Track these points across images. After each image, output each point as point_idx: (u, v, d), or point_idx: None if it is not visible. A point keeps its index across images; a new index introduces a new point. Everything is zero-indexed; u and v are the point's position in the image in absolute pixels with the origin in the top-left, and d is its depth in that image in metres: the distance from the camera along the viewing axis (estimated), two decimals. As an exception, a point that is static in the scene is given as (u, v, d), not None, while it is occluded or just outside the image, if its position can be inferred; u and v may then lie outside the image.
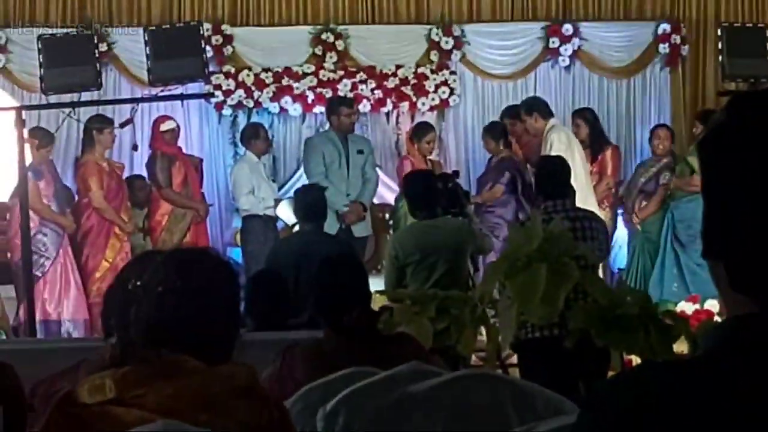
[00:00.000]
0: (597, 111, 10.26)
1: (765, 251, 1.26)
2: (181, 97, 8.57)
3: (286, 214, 9.13)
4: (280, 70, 10.52)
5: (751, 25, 10.19)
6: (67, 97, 8.16)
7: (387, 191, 9.98)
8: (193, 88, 9.11)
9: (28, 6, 10.55)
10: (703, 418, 1.23)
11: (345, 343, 4.02)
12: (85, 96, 8.31)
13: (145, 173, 9.71)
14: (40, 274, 8.84)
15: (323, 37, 10.59)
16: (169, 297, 2.42)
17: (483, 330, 5.91)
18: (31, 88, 9.87)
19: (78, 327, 9.04)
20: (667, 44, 10.81)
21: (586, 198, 8.48)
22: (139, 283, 2.46)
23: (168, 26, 9.13)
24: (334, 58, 10.57)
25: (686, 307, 8.53)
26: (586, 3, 11.04)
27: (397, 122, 10.71)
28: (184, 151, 9.85)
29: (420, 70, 10.63)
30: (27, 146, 8.13)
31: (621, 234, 10.00)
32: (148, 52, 7.95)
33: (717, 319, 8.16)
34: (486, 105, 10.85)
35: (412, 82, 10.60)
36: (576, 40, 10.75)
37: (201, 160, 10.11)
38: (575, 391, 5.01)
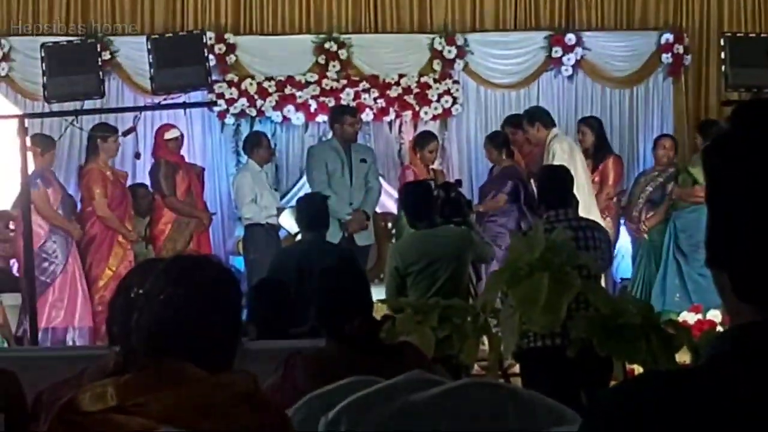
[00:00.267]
0: (599, 120, 10.28)
1: (769, 259, 1.26)
2: (184, 105, 8.58)
3: (288, 222, 9.13)
4: (283, 78, 10.53)
5: (754, 34, 10.20)
6: (70, 106, 8.17)
7: (389, 200, 9.99)
8: (195, 96, 9.13)
9: (31, 14, 10.57)
10: (706, 427, 1.23)
11: (346, 352, 4.01)
12: (88, 104, 8.32)
13: (147, 181, 9.72)
14: (49, 281, 8.86)
15: (326, 46, 10.60)
16: (171, 305, 2.42)
17: (485, 339, 5.91)
18: (33, 97, 9.88)
19: (83, 335, 9.05)
20: (669, 54, 10.81)
21: (588, 207, 8.48)
22: (140, 290, 2.46)
23: (171, 35, 9.14)
24: (337, 67, 10.58)
25: (688, 317, 8.52)
26: (589, 12, 11.04)
27: (400, 131, 10.71)
28: (186, 159, 9.86)
29: (423, 79, 10.64)
30: (29, 154, 8.14)
31: (624, 243, 9.99)
32: (151, 60, 7.96)
33: (719, 329, 8.15)
34: (489, 114, 10.85)
35: (415, 91, 10.60)
36: (579, 50, 10.76)
37: (203, 169, 10.12)
38: (577, 400, 5.01)
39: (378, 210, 9.80)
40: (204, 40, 8.20)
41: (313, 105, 10.49)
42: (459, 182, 8.01)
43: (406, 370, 3.48)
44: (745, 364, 1.26)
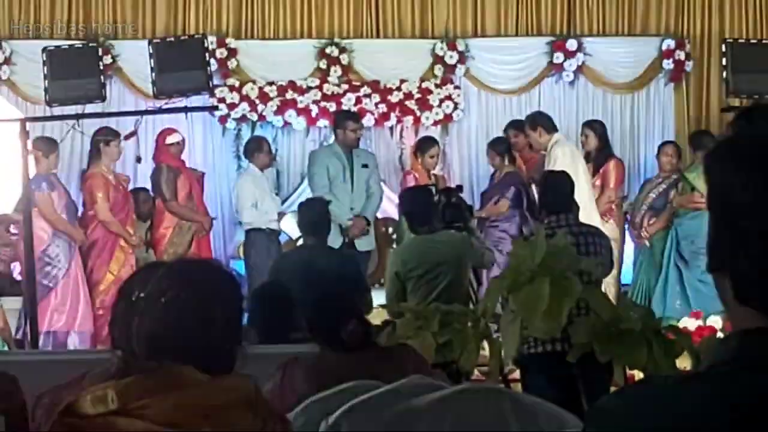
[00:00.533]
0: (601, 126, 10.27)
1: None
2: (185, 109, 8.59)
3: (290, 227, 9.13)
4: (284, 83, 10.54)
5: (755, 41, 10.19)
6: (71, 110, 8.18)
7: (390, 206, 9.99)
8: (197, 101, 9.14)
9: (33, 18, 10.58)
10: (707, 432, 1.24)
11: (344, 357, 4.01)
12: (89, 108, 8.33)
13: (148, 185, 9.72)
14: (51, 285, 8.86)
15: (328, 51, 10.62)
16: (172, 308, 2.42)
17: (485, 344, 5.91)
18: (35, 100, 9.89)
19: (84, 339, 9.05)
20: (671, 60, 10.83)
21: (589, 213, 8.48)
22: (142, 294, 2.46)
23: (172, 39, 9.13)
24: (339, 72, 10.59)
25: (689, 323, 8.53)
26: (590, 18, 11.05)
27: (401, 137, 10.71)
28: (186, 164, 9.86)
29: (424, 84, 10.65)
30: (31, 158, 8.15)
31: (628, 250, 9.97)
32: (152, 64, 7.96)
33: (720, 335, 8.15)
34: (490, 120, 10.86)
35: (416, 96, 10.61)
36: (580, 56, 10.77)
37: (203, 174, 10.12)
38: (578, 405, 5.01)
39: (379, 215, 9.81)
40: (205, 45, 8.20)
41: (315, 110, 10.50)
42: (460, 187, 8.02)
43: (404, 372, 3.49)
44: (746, 370, 1.26)
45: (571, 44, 10.77)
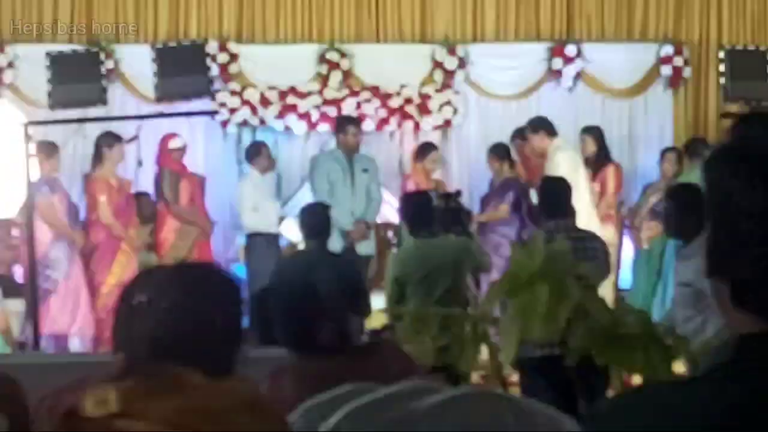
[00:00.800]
0: (599, 132, 10.28)
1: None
2: (187, 114, 8.60)
3: (290, 231, 9.14)
4: (285, 88, 10.55)
5: (753, 47, 10.23)
6: (73, 114, 8.20)
7: (391, 210, 9.99)
8: (198, 105, 9.15)
9: (36, 23, 10.58)
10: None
11: (324, 360, 3.96)
12: (91, 112, 8.34)
13: (149, 189, 9.73)
14: (52, 288, 8.87)
15: (328, 56, 10.62)
16: (173, 312, 2.43)
17: (484, 348, 5.92)
18: (37, 104, 9.89)
19: (85, 342, 9.05)
20: (669, 66, 10.84)
21: (589, 218, 8.50)
22: (143, 298, 2.48)
23: (174, 44, 9.19)
24: (339, 77, 10.60)
25: (687, 328, 8.50)
26: (589, 23, 11.07)
27: (401, 142, 10.72)
28: (188, 168, 9.87)
29: (424, 89, 10.66)
30: (34, 161, 8.16)
31: (626, 254, 9.97)
32: (154, 69, 7.99)
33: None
34: (489, 125, 10.85)
35: (416, 101, 10.61)
36: (579, 62, 10.77)
37: (204, 178, 10.12)
38: (576, 409, 5.02)
39: (379, 220, 9.81)
40: (207, 50, 8.23)
41: (315, 114, 10.50)
42: (459, 192, 8.04)
43: (389, 370, 3.48)
44: (744, 375, 1.27)
45: (570, 50, 10.77)
